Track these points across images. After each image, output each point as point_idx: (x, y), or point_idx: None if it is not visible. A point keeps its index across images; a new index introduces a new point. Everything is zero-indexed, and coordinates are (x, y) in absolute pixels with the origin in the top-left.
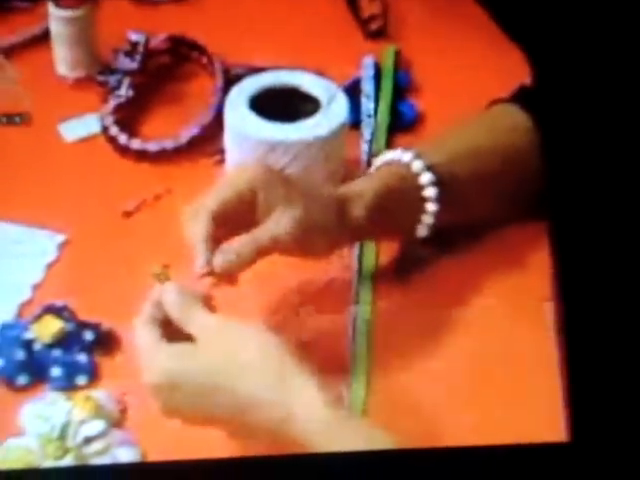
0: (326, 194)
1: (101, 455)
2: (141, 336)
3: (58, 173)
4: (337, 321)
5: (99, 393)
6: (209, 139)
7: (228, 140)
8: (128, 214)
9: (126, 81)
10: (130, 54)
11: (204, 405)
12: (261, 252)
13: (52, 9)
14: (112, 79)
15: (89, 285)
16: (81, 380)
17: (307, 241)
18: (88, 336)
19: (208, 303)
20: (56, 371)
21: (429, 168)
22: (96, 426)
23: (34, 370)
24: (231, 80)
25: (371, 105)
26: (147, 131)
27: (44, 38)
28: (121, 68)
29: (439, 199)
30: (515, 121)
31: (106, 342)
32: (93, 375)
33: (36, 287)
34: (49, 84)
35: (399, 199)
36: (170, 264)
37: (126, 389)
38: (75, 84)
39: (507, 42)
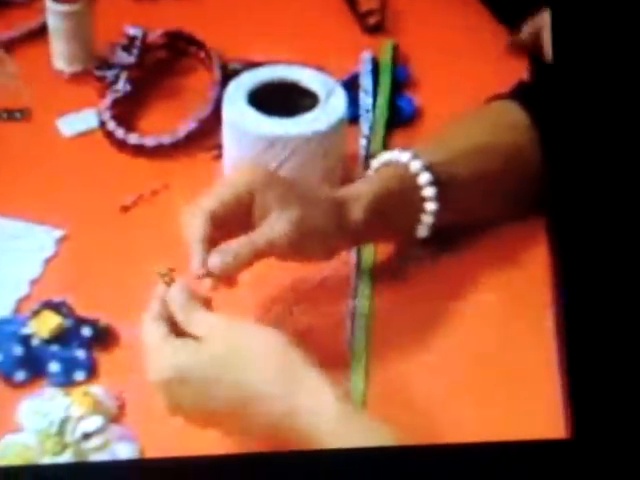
0: (324, 197)
1: (100, 451)
2: (149, 332)
3: (55, 168)
4: (336, 315)
5: (97, 389)
6: (207, 134)
7: (226, 135)
8: (126, 209)
9: (123, 76)
10: (128, 49)
11: (209, 400)
12: (258, 254)
13: (49, 3)
14: (110, 74)
15: (87, 280)
16: (79, 376)
17: (304, 245)
18: (86, 332)
19: (208, 305)
20: (54, 367)
21: (427, 168)
22: (94, 422)
23: (32, 366)
24: (229, 75)
25: (369, 100)
26: (145, 126)
27: (41, 33)
28: (119, 63)
29: (438, 198)
30: (515, 118)
31: (104, 338)
32: (91, 371)
33: (34, 282)
34: (46, 79)
35: (398, 201)
36: (170, 262)
37: (124, 385)
38: (72, 79)
39: (506, 37)
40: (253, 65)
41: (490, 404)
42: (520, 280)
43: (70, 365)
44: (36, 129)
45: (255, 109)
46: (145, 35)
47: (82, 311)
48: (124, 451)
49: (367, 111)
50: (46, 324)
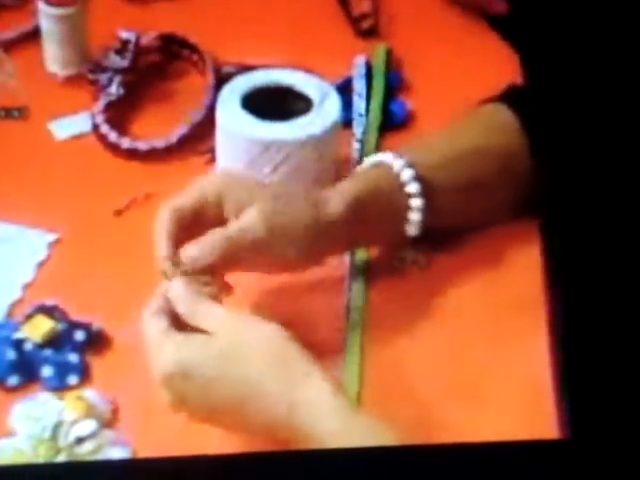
0: (302, 192)
1: (93, 455)
2: (150, 327)
3: (48, 171)
4: (330, 310)
5: (90, 393)
6: (200, 138)
7: (220, 139)
8: (119, 213)
9: (117, 79)
10: (121, 52)
11: (211, 395)
12: (231, 244)
13: (43, 6)
14: (103, 77)
15: (80, 284)
16: (72, 380)
17: (277, 237)
18: (79, 336)
19: (215, 298)
20: (47, 371)
21: (411, 166)
22: (88, 426)
23: (25, 370)
24: (222, 78)
25: (362, 104)
26: (138, 129)
27: (34, 35)
28: (112, 66)
29: (424, 194)
30: (507, 122)
31: (97, 342)
32: (84, 375)
33: (27, 287)
34: (40, 82)
35: (383, 198)
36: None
37: (117, 389)
38: (66, 82)
39: (498, 41)
40: (247, 69)
41: (483, 402)
42: (514, 278)
43: (63, 369)
44: (29, 132)
45: (249, 113)
46: (138, 39)
47: (75, 315)
48: (117, 455)
49: (360, 115)
50: (39, 328)
